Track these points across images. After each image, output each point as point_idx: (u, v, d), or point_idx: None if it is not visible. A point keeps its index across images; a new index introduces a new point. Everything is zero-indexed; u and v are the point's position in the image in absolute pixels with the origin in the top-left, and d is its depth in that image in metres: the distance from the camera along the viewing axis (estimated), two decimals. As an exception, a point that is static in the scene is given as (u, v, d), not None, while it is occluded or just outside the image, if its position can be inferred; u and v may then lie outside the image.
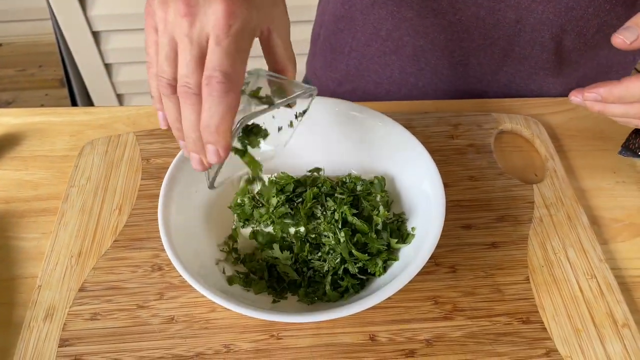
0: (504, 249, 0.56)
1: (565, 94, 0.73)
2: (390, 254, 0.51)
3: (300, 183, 0.55)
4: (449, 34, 0.68)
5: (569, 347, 0.49)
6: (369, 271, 0.51)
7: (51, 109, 0.71)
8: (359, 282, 0.50)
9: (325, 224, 0.51)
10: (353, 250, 0.49)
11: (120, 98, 1.75)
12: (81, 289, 0.53)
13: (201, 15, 0.35)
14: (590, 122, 0.69)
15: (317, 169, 0.58)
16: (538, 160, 0.65)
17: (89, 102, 1.79)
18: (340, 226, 0.50)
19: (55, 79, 2.11)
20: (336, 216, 0.50)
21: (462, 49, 0.70)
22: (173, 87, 0.37)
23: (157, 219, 0.51)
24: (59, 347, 0.49)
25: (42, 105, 2.04)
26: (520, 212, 0.59)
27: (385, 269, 0.51)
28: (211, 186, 0.44)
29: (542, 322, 0.50)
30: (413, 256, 0.49)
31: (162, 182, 0.61)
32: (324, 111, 0.58)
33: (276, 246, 0.51)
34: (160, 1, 0.37)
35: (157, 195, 0.60)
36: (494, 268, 0.54)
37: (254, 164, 0.46)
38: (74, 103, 1.79)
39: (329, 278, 0.50)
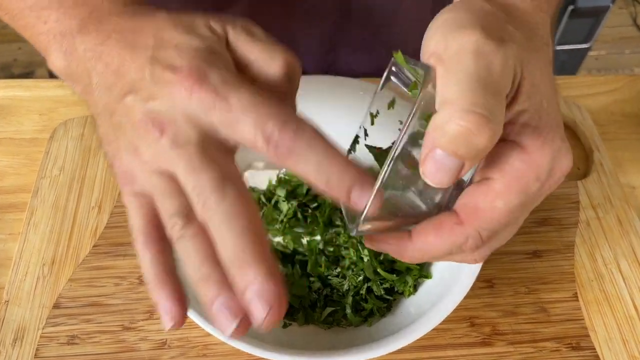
0: (548, 259, 0.48)
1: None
2: (422, 271, 0.43)
3: (315, 183, 0.46)
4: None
5: (625, 378, 0.42)
6: (396, 290, 0.43)
7: (16, 81, 0.61)
8: (385, 304, 0.43)
9: (346, 236, 0.43)
10: (379, 269, 0.42)
11: (99, 55, 1.62)
12: (56, 306, 0.45)
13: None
14: (638, 105, 0.61)
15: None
16: (581, 151, 0.57)
17: (65, 59, 1.66)
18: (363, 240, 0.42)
19: (29, 31, 1.97)
20: (361, 229, 0.42)
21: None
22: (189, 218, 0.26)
23: (144, 220, 0.42)
24: (30, 377, 0.42)
25: (15, 60, 1.90)
26: (564, 214, 0.51)
27: (415, 287, 0.43)
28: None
29: (594, 348, 0.44)
30: (449, 274, 0.41)
31: (149, 173, 0.53)
32: (342, 92, 0.49)
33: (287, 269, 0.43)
34: (130, 153, 0.28)
35: (144, 190, 0.51)
36: (537, 282, 0.47)
37: None
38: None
39: (350, 299, 0.43)
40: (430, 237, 0.28)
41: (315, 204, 0.45)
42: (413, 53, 0.29)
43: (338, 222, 0.44)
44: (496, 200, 0.27)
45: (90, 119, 0.57)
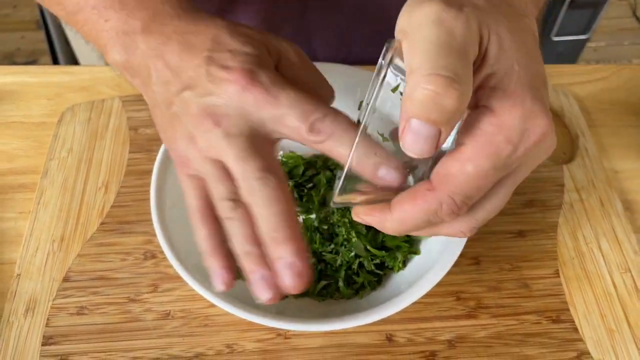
0: (532, 239, 0.51)
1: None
2: (411, 247, 0.46)
3: (311, 164, 0.49)
4: None
5: (601, 349, 0.45)
6: (387, 265, 0.46)
7: (23, 68, 0.63)
8: (376, 278, 0.45)
9: (339, 215, 0.45)
10: (368, 247, 0.44)
11: (102, 44, 1.64)
12: (65, 279, 0.48)
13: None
14: (624, 93, 0.63)
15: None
16: (567, 137, 0.60)
17: (67, 47, 1.67)
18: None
19: (32, 20, 1.98)
20: (352, 207, 0.45)
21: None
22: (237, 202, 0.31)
23: (148, 199, 0.45)
24: (42, 345, 0.44)
25: (18, 49, 1.92)
26: (549, 196, 0.54)
27: (404, 263, 0.46)
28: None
29: (573, 322, 0.46)
30: (437, 251, 0.44)
31: (152, 155, 0.55)
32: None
33: None
34: (186, 141, 0.32)
35: (147, 171, 0.54)
36: (521, 260, 0.50)
37: None
38: (51, 47, 1.67)
39: (343, 273, 0.45)
40: (406, 206, 0.29)
41: (310, 184, 0.47)
42: None
43: (332, 201, 0.46)
44: (466, 164, 0.27)
45: (96, 103, 0.60)
